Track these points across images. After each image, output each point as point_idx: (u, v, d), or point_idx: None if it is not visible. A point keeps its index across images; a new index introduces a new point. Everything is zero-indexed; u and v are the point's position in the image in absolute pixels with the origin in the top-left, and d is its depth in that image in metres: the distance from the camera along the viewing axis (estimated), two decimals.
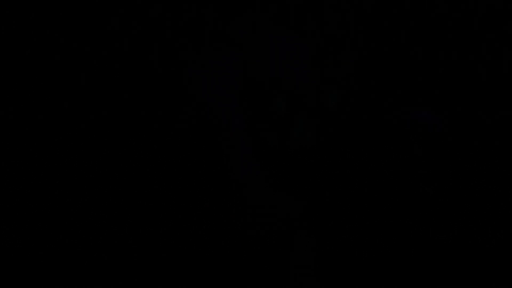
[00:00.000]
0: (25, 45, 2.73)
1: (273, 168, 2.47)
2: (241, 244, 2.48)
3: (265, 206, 2.43)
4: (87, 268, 2.56)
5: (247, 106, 2.47)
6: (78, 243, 2.59)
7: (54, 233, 2.62)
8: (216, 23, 2.63)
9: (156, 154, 2.54)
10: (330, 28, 2.60)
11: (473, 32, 2.72)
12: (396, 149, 2.51)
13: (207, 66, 2.45)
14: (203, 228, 2.50)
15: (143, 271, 2.51)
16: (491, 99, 2.68)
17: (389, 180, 2.53)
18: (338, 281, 2.50)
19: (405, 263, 2.49)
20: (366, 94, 2.59)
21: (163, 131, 2.54)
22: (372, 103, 2.56)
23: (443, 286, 2.47)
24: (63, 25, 2.74)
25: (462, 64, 2.68)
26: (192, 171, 2.51)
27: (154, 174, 2.54)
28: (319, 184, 2.52)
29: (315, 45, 2.59)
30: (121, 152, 2.60)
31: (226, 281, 2.47)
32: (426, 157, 2.53)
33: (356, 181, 2.57)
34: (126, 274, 2.52)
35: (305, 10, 2.62)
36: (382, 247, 2.49)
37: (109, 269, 2.52)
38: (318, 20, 2.62)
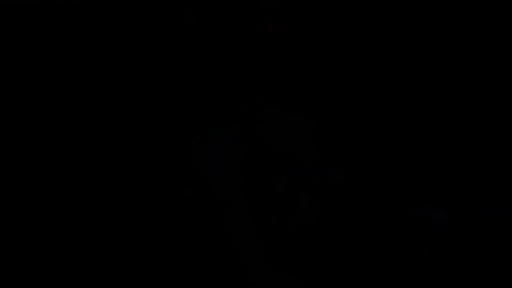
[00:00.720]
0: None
1: (274, 247, 2.44)
2: None
3: (264, 285, 2.41)
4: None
5: (248, 183, 2.47)
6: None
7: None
8: (219, 101, 2.65)
9: (152, 232, 2.55)
10: (333, 108, 2.60)
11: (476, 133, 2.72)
12: (403, 244, 2.47)
13: (208, 141, 2.46)
14: None
15: None
16: (498, 198, 2.66)
17: (393, 273, 2.49)
18: None
19: None
20: (370, 175, 2.57)
21: (162, 208, 2.54)
22: (376, 187, 2.54)
23: None
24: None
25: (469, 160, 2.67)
26: (191, 246, 2.51)
27: (150, 249, 2.54)
28: (322, 265, 2.48)
29: (319, 124, 2.58)
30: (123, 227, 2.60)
31: None
32: (434, 254, 2.50)
33: (360, 265, 2.54)
34: None
35: (308, 89, 2.63)
36: None
37: None
38: (321, 99, 2.62)
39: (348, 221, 2.48)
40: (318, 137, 2.54)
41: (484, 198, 2.63)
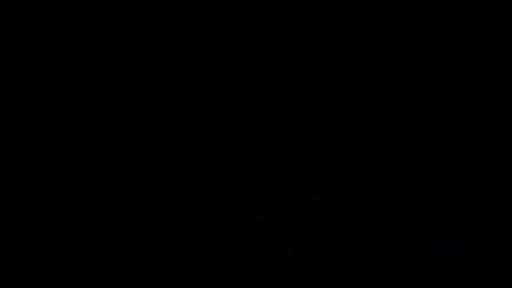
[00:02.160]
0: None
1: (253, 279, 2.39)
2: None
3: None
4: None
5: (225, 215, 2.41)
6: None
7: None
8: (195, 133, 2.59)
9: (133, 267, 2.50)
10: (311, 137, 2.53)
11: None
12: (409, 279, 2.37)
13: (184, 176, 2.39)
14: None
15: None
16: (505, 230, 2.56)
17: None
18: None
19: None
20: (347, 202, 2.49)
21: (140, 244, 2.50)
22: (360, 217, 2.45)
23: None
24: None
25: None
26: (171, 284, 2.46)
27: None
28: None
29: (295, 152, 2.51)
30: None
31: None
32: None
33: None
34: None
35: (286, 120, 2.55)
36: None
37: None
38: (299, 129, 2.55)
39: (327, 251, 2.44)
40: (295, 165, 2.50)
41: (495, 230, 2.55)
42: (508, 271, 2.47)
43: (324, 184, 2.52)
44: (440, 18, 2.71)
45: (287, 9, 2.65)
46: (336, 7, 2.61)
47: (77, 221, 2.64)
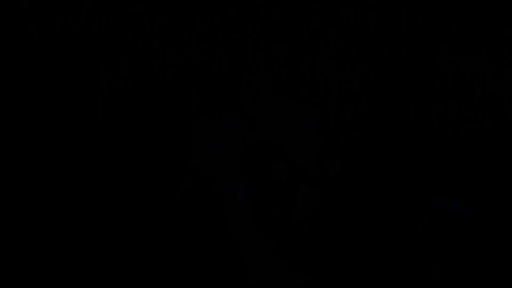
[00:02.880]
0: None
1: (276, 238, 2.37)
2: None
3: (268, 279, 2.34)
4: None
5: (248, 174, 2.42)
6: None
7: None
8: (218, 91, 2.64)
9: (156, 225, 2.51)
10: (335, 96, 2.58)
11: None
12: (411, 238, 2.38)
13: (208, 134, 2.40)
14: None
15: None
16: None
17: (398, 267, 2.40)
18: None
19: None
20: (372, 163, 2.52)
21: (163, 201, 2.50)
22: (381, 177, 2.48)
23: None
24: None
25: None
26: (192, 242, 2.46)
27: (154, 246, 2.50)
28: (325, 257, 2.41)
29: (319, 112, 2.56)
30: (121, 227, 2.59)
31: None
32: (448, 250, 2.41)
33: (364, 254, 2.46)
34: None
35: (310, 79, 2.61)
36: None
37: None
38: (323, 88, 2.60)
39: (350, 212, 2.43)
40: (318, 126, 2.51)
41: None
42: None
43: (348, 146, 2.53)
44: None
45: None
46: None
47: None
